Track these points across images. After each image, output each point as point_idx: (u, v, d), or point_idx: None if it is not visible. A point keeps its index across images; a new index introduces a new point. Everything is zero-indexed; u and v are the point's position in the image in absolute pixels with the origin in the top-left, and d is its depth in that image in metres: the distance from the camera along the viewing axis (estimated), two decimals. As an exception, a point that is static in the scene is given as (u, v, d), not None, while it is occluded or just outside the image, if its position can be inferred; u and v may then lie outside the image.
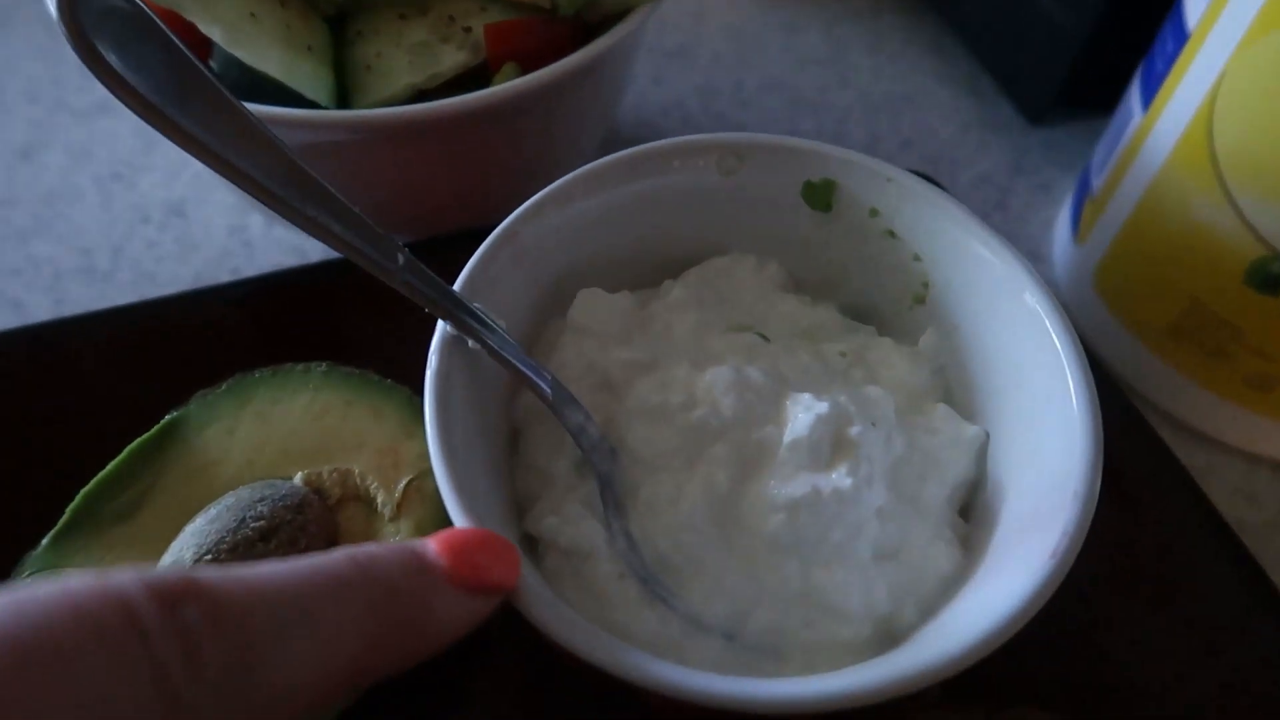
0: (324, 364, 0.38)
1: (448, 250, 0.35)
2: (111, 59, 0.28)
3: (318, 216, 0.29)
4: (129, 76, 0.28)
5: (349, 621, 0.22)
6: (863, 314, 0.41)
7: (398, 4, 0.43)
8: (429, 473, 0.30)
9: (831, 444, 0.32)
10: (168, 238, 0.55)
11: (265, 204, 0.28)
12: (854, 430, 0.32)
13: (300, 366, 0.38)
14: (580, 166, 0.37)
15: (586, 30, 0.44)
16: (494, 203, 0.38)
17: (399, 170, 0.42)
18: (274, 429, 0.36)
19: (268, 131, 0.29)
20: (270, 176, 0.28)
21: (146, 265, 0.54)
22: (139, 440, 0.36)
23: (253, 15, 0.40)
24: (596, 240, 0.38)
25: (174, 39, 0.30)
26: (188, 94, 0.30)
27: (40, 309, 0.52)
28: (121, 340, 0.42)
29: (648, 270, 0.39)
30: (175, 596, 0.19)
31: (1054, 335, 0.33)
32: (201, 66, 0.30)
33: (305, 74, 0.39)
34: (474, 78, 0.42)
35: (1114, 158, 0.48)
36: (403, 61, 0.41)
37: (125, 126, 0.59)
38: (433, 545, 0.26)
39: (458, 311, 0.31)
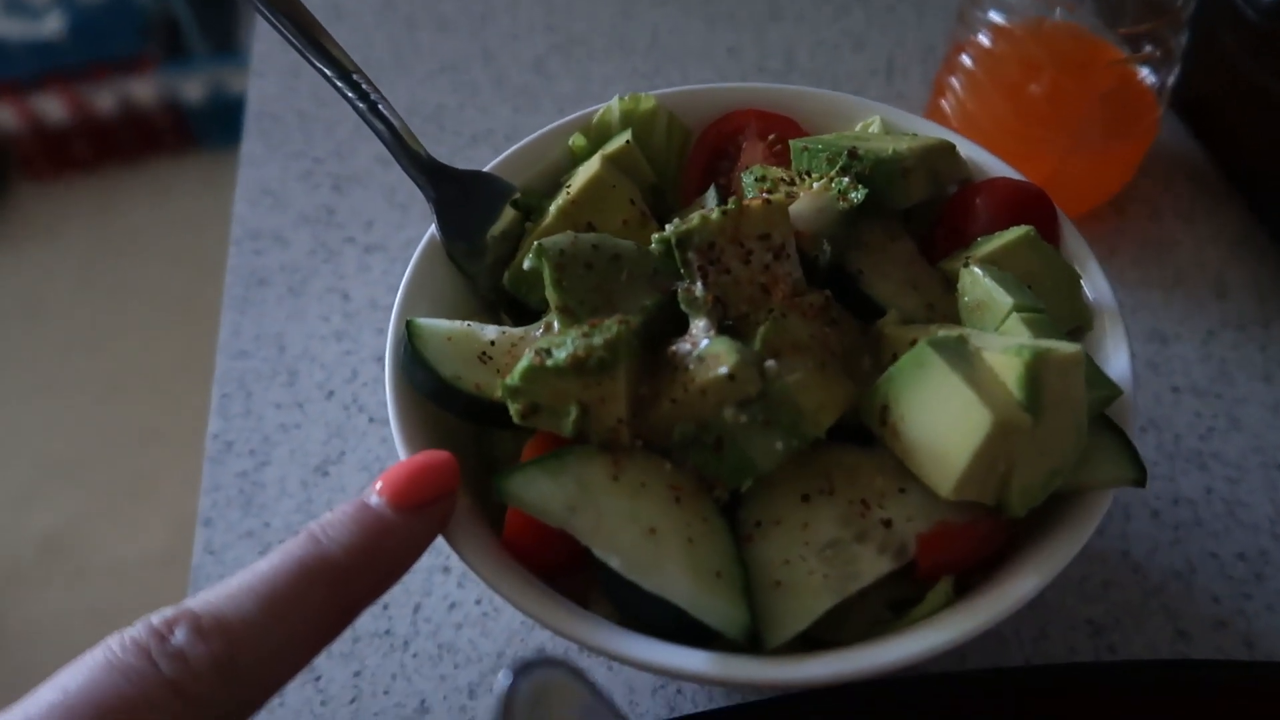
0: None
1: None
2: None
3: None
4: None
5: (316, 598, 0.30)
6: None
7: (799, 482, 0.36)
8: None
9: None
10: (468, 596, 0.50)
11: None
12: None
13: None
14: None
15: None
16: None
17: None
18: None
19: None
20: None
21: (447, 634, 0.49)
22: None
23: (652, 531, 0.34)
24: None
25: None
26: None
27: (338, 683, 0.48)
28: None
29: None
30: (169, 625, 0.29)
31: None
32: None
33: (715, 609, 0.33)
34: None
35: None
36: (816, 573, 0.34)
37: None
38: (375, 489, 0.33)
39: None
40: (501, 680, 0.24)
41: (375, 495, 0.33)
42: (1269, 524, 0.51)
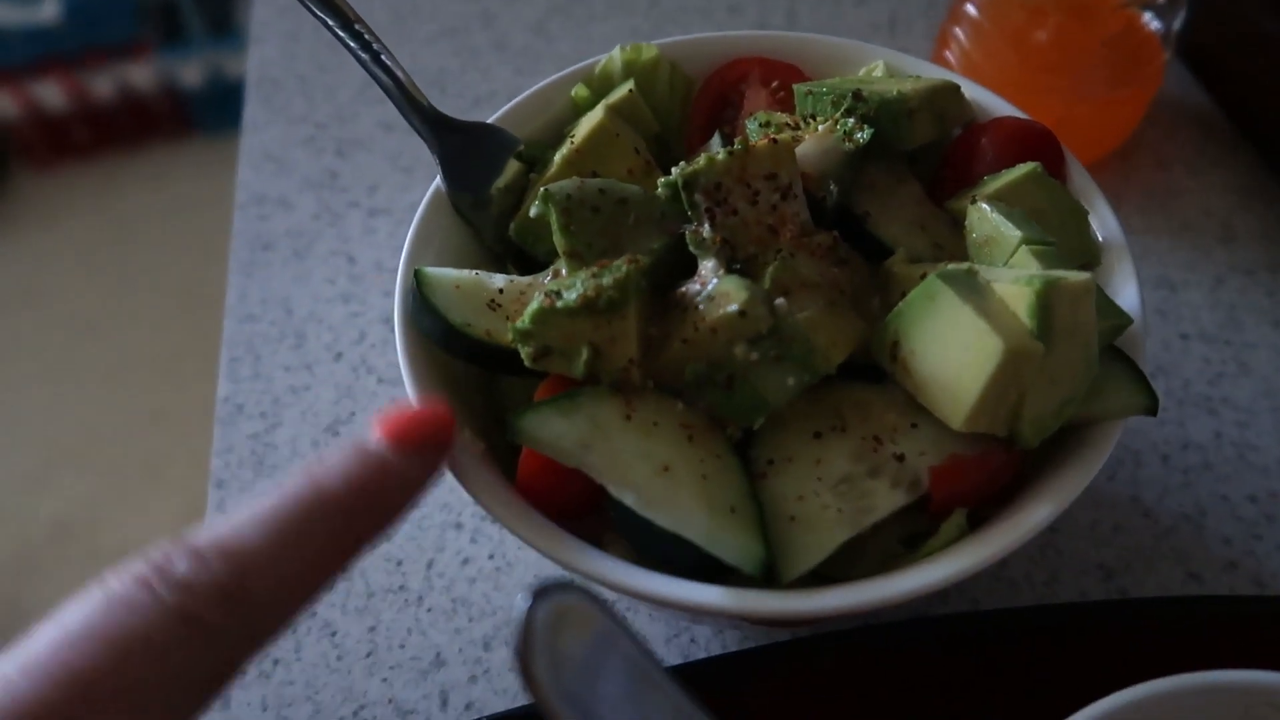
0: None
1: None
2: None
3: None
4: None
5: (319, 531, 0.29)
6: None
7: (810, 419, 0.36)
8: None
9: None
10: (481, 552, 0.51)
11: None
12: None
13: None
14: None
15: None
16: None
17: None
18: None
19: None
20: None
21: (460, 588, 0.49)
22: None
23: (666, 469, 0.34)
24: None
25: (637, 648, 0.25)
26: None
27: (354, 637, 0.48)
28: None
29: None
30: (168, 557, 0.27)
31: None
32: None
33: (731, 543, 0.33)
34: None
35: None
36: (830, 508, 0.34)
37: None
38: (373, 431, 0.32)
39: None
40: (520, 603, 0.24)
41: (372, 438, 0.33)
42: (1278, 466, 0.51)
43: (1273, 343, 0.56)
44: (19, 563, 1.70)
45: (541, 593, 0.25)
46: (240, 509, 0.29)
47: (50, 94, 2.25)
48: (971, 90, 0.46)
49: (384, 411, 0.34)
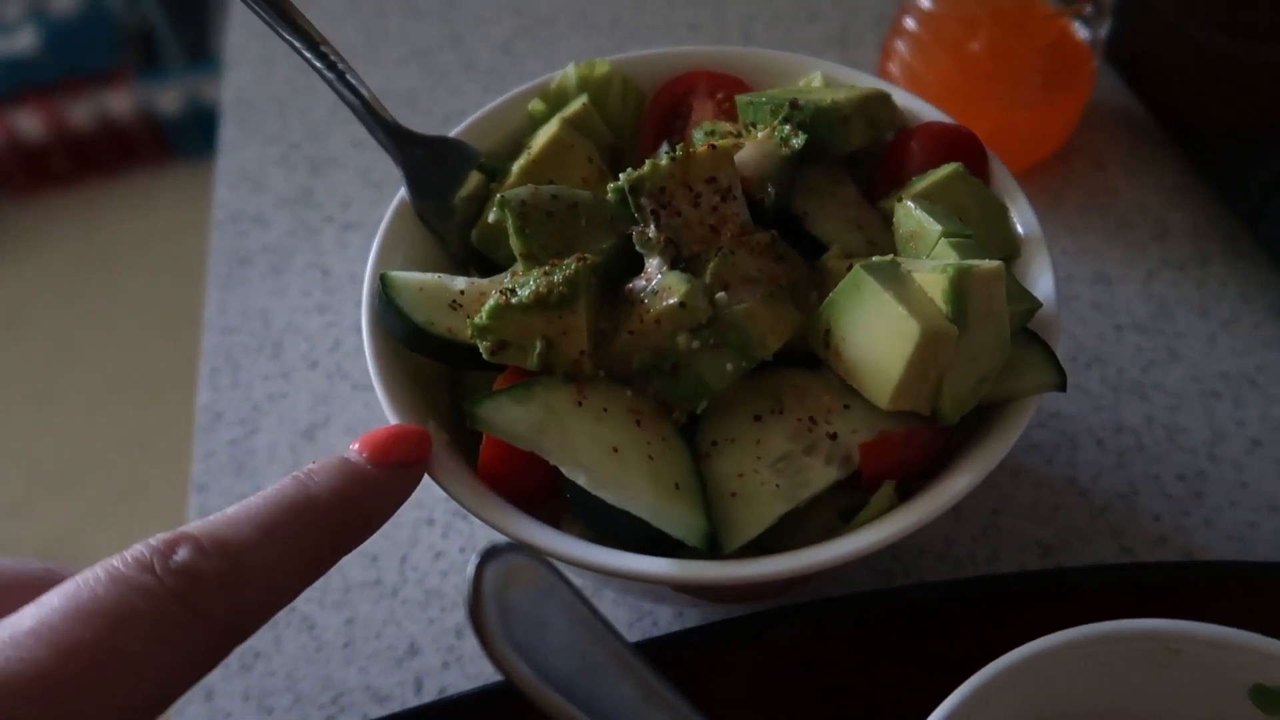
0: None
1: None
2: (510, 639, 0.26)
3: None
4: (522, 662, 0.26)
5: (307, 533, 0.32)
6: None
7: (751, 403, 0.39)
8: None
9: None
10: (453, 546, 0.53)
11: None
12: None
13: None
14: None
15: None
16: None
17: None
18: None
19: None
20: None
21: (433, 581, 0.52)
22: None
23: (615, 450, 0.36)
24: None
25: (579, 602, 0.27)
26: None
27: (332, 629, 0.50)
28: None
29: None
30: (170, 545, 0.29)
31: None
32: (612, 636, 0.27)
33: (676, 518, 0.35)
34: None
35: None
36: (769, 484, 0.37)
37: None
38: (354, 447, 0.35)
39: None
40: (471, 563, 0.27)
41: (355, 452, 0.35)
42: (1206, 447, 0.55)
43: (1200, 331, 0.59)
44: (3, 589, 1.69)
45: (490, 553, 0.27)
46: (234, 507, 0.31)
47: (29, 123, 2.27)
48: (903, 98, 0.49)
49: (365, 433, 0.36)
